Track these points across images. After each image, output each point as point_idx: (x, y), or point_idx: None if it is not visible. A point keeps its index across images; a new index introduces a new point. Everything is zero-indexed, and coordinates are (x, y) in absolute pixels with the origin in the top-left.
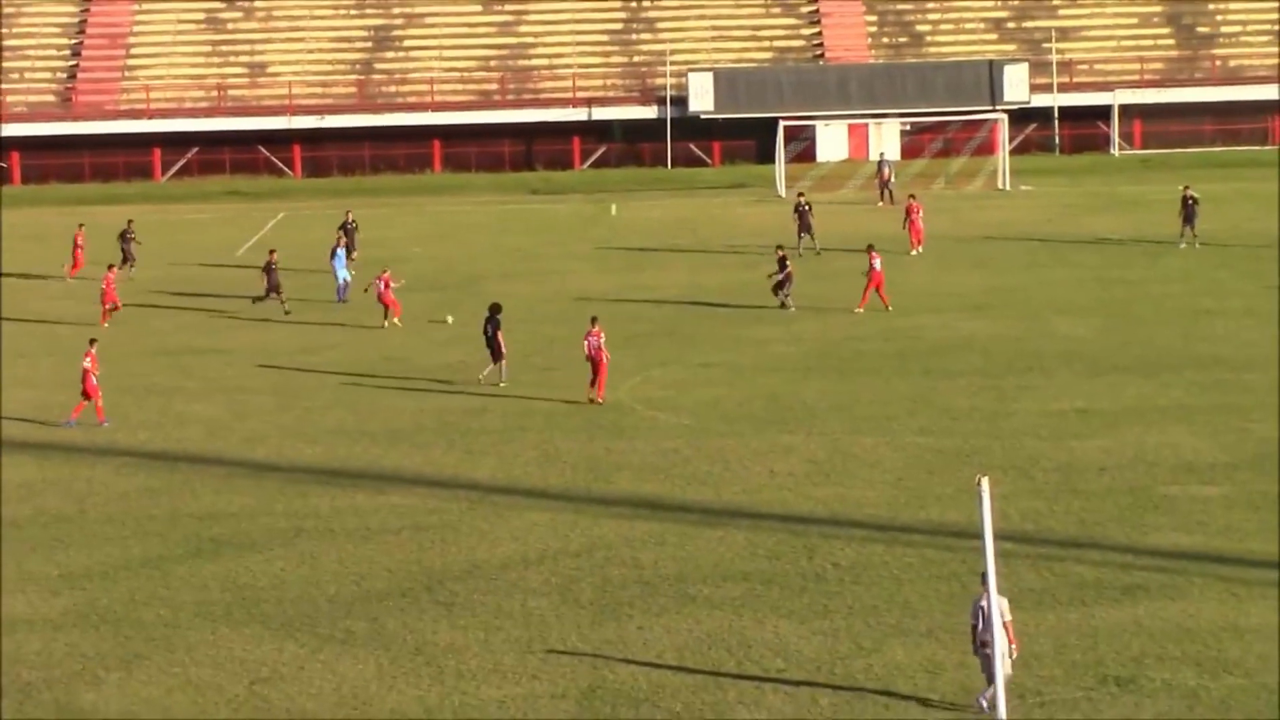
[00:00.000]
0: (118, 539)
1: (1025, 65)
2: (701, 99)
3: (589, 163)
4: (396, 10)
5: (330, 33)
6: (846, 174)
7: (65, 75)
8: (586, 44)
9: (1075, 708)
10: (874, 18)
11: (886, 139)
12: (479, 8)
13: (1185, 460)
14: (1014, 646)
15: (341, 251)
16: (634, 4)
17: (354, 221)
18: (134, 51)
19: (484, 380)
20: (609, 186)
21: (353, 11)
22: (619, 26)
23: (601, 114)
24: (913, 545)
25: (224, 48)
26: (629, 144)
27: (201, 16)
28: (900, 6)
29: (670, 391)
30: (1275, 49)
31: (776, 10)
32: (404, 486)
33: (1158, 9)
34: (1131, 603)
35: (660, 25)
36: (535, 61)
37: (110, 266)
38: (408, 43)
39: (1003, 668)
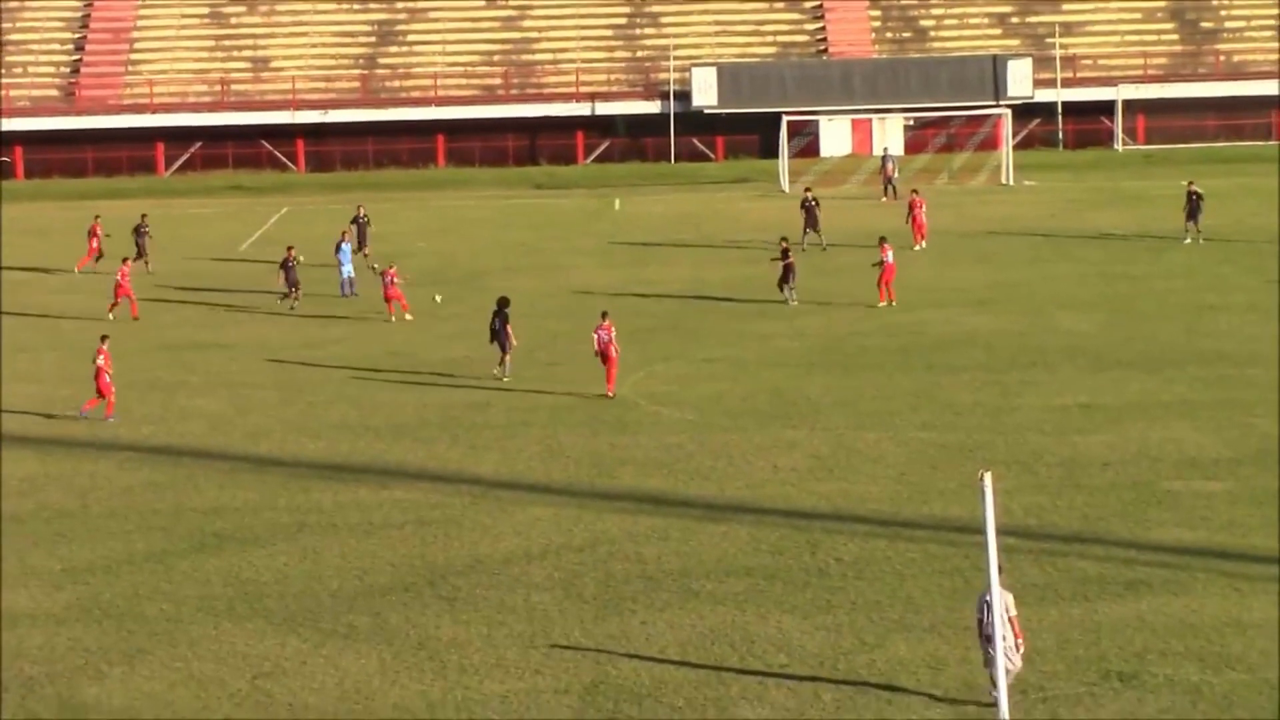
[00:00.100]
0: (120, 534)
1: (1029, 60)
2: (705, 94)
3: (593, 157)
4: (400, 5)
5: (334, 27)
6: (850, 169)
7: (69, 70)
8: (590, 39)
9: (1078, 703)
10: (877, 12)
11: (890, 134)
12: (483, 2)
13: (1188, 455)
14: (1020, 641)
15: (346, 246)
16: None
17: (365, 216)
18: (137, 46)
19: (498, 375)
20: (612, 181)
21: (356, 6)
22: (623, 21)
23: (605, 109)
24: (916, 540)
25: (227, 42)
26: (633, 139)
27: (205, 11)
28: (904, 1)
29: (674, 386)
30: (1278, 44)
31: (780, 5)
32: (407, 481)
33: (1161, 4)
34: (1134, 598)
35: (664, 20)
36: (539, 56)
37: (125, 260)
38: (411, 37)
39: (1009, 663)
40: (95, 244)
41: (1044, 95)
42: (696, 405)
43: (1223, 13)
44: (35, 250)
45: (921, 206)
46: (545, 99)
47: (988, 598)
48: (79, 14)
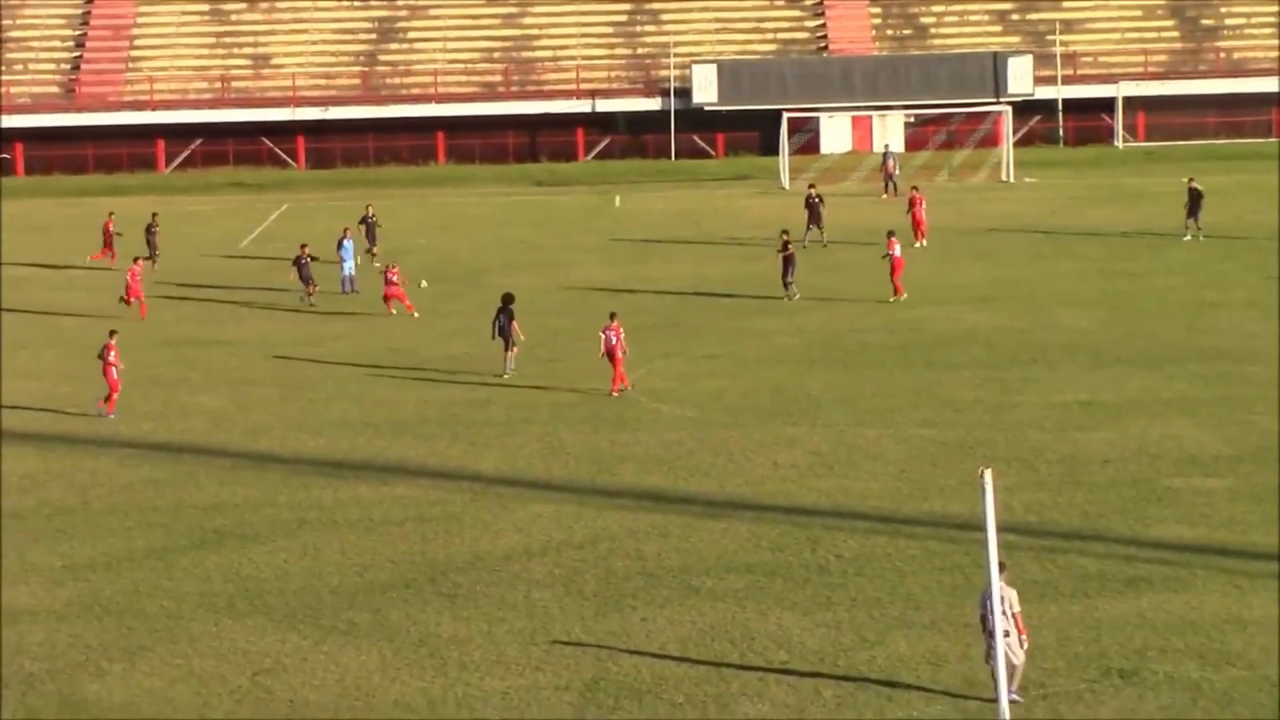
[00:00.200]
0: (121, 530)
1: (1029, 57)
2: (705, 91)
3: (593, 154)
4: (400, 2)
5: (334, 24)
6: (850, 166)
7: (69, 66)
8: (591, 36)
9: (1078, 700)
10: (878, 10)
11: (890, 131)
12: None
13: (1188, 453)
14: (1024, 638)
15: (348, 243)
16: None
17: (375, 216)
18: (138, 43)
19: (504, 372)
20: (613, 178)
21: (356, 3)
22: (623, 18)
23: (605, 106)
24: (916, 537)
25: (228, 39)
26: (633, 136)
27: (205, 8)
28: None
29: (674, 383)
30: (1278, 41)
31: (780, 2)
32: (407, 478)
33: (1162, 1)
34: (1134, 595)
35: (664, 17)
36: (539, 53)
37: (136, 260)
38: (412, 34)
39: (1014, 658)
40: (111, 239)
41: (1044, 92)
42: (697, 402)
43: (1223, 10)
44: (35, 247)
45: (921, 203)
46: (546, 96)
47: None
48: (79, 11)
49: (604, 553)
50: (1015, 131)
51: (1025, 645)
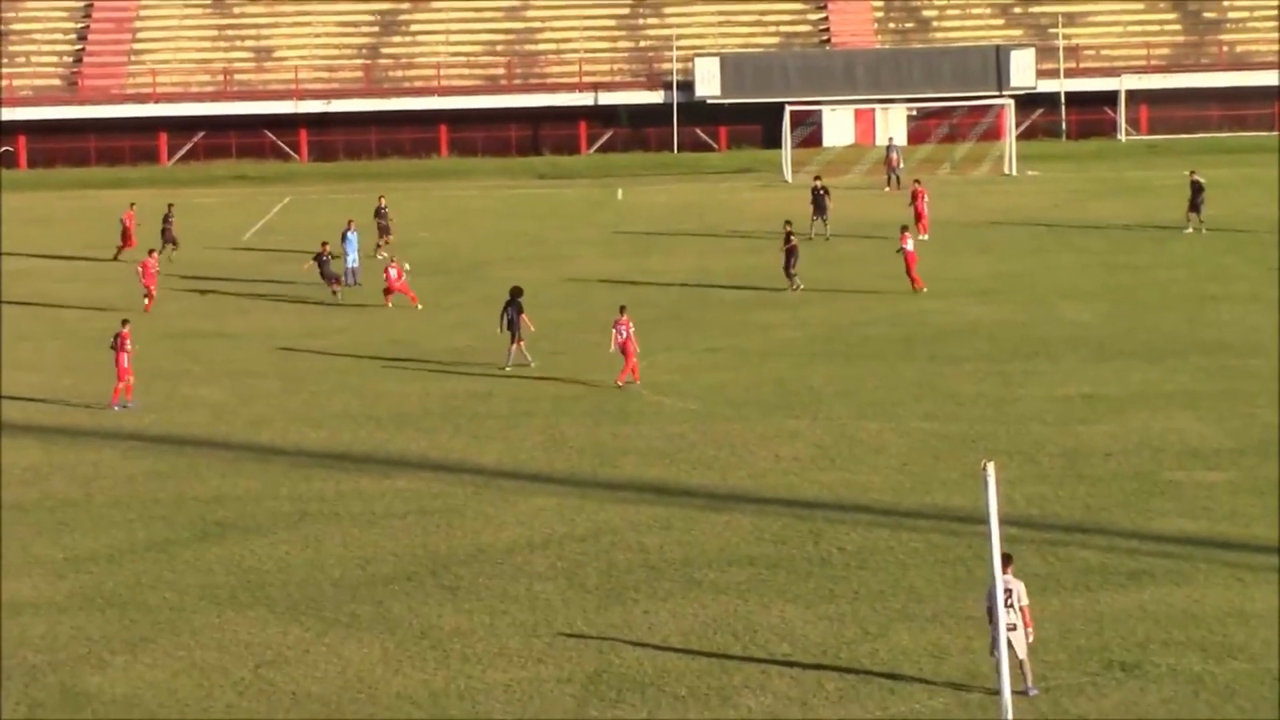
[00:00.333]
0: (123, 522)
1: (1032, 50)
2: (708, 84)
3: (595, 147)
4: None
5: (336, 17)
6: (853, 159)
7: (71, 59)
8: (593, 29)
9: (1080, 693)
10: (880, 3)
11: (893, 124)
12: None
13: (1190, 446)
14: (1030, 631)
15: (353, 235)
16: None
17: (387, 207)
18: (140, 35)
19: (518, 363)
20: (615, 171)
21: None
22: (625, 11)
23: (608, 99)
24: (918, 530)
25: (230, 32)
26: (635, 129)
27: (207, 1)
28: None
29: (676, 376)
30: None
31: None
32: (409, 471)
33: None
34: (1137, 588)
35: (666, 10)
36: (542, 46)
37: (151, 252)
38: (414, 27)
39: (1019, 651)
40: (131, 231)
41: (1047, 85)
42: (699, 395)
43: (1225, 3)
44: (38, 239)
45: (923, 197)
46: (548, 89)
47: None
48: (82, 3)
49: (606, 545)
50: (1017, 125)
51: (1030, 639)
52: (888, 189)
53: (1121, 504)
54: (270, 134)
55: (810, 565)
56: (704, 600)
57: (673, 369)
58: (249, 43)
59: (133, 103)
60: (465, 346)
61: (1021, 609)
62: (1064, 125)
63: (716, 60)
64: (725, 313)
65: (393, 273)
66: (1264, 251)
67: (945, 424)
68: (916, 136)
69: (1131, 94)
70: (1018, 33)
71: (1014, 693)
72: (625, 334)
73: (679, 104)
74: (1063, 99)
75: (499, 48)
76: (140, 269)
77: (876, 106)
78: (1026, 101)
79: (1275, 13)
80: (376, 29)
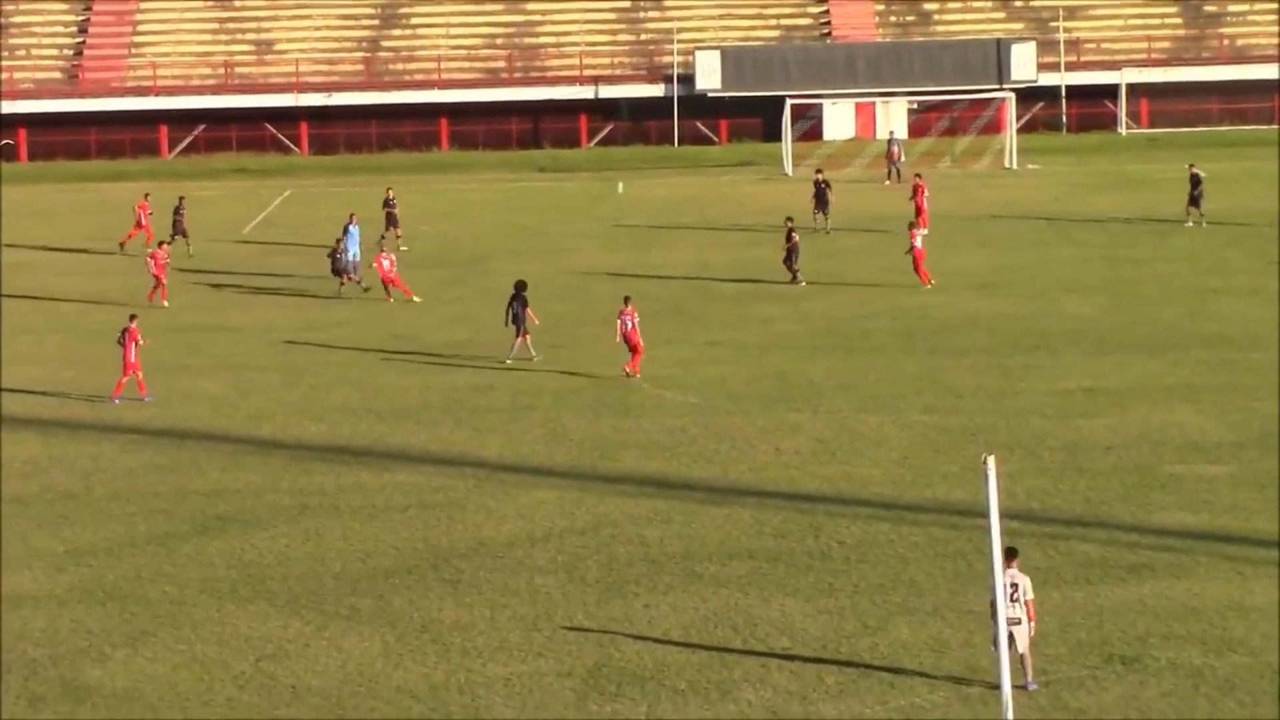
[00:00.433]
0: (124, 516)
1: (1032, 44)
2: (708, 77)
3: (596, 141)
4: None
5: (337, 10)
6: (853, 152)
7: (72, 52)
8: (594, 22)
9: (1080, 686)
10: None
11: (893, 118)
12: None
13: (1191, 439)
14: (1033, 624)
15: (354, 229)
16: None
17: (394, 199)
18: (141, 28)
19: (521, 356)
20: (616, 164)
21: None
22: (626, 4)
23: (609, 92)
24: (918, 524)
25: (231, 25)
26: (636, 122)
27: None
28: None
29: (677, 370)
30: None
31: None
32: (410, 464)
33: None
34: (1137, 582)
35: (667, 3)
36: (542, 39)
37: (161, 244)
38: (415, 20)
39: (1020, 645)
40: (145, 222)
41: (1048, 79)
42: (699, 388)
43: None
44: (37, 232)
45: (924, 191)
46: (549, 82)
47: (1004, 580)
48: None
49: (606, 539)
50: (1018, 118)
51: (1032, 632)
52: (888, 182)
53: (1122, 497)
54: (271, 127)
55: (810, 559)
56: (704, 594)
57: (673, 362)
58: (250, 36)
59: (133, 96)
60: (466, 340)
61: (1026, 603)
62: (1064, 119)
63: (717, 53)
64: (726, 306)
65: (385, 264)
66: (1264, 245)
67: (946, 417)
68: (917, 130)
69: (1132, 87)
70: (1018, 26)
71: (1014, 687)
72: (630, 324)
73: (679, 97)
74: (1063, 92)
75: (499, 41)
76: (150, 260)
77: (877, 100)
78: (1027, 95)
79: (1275, 6)
80: (377, 22)
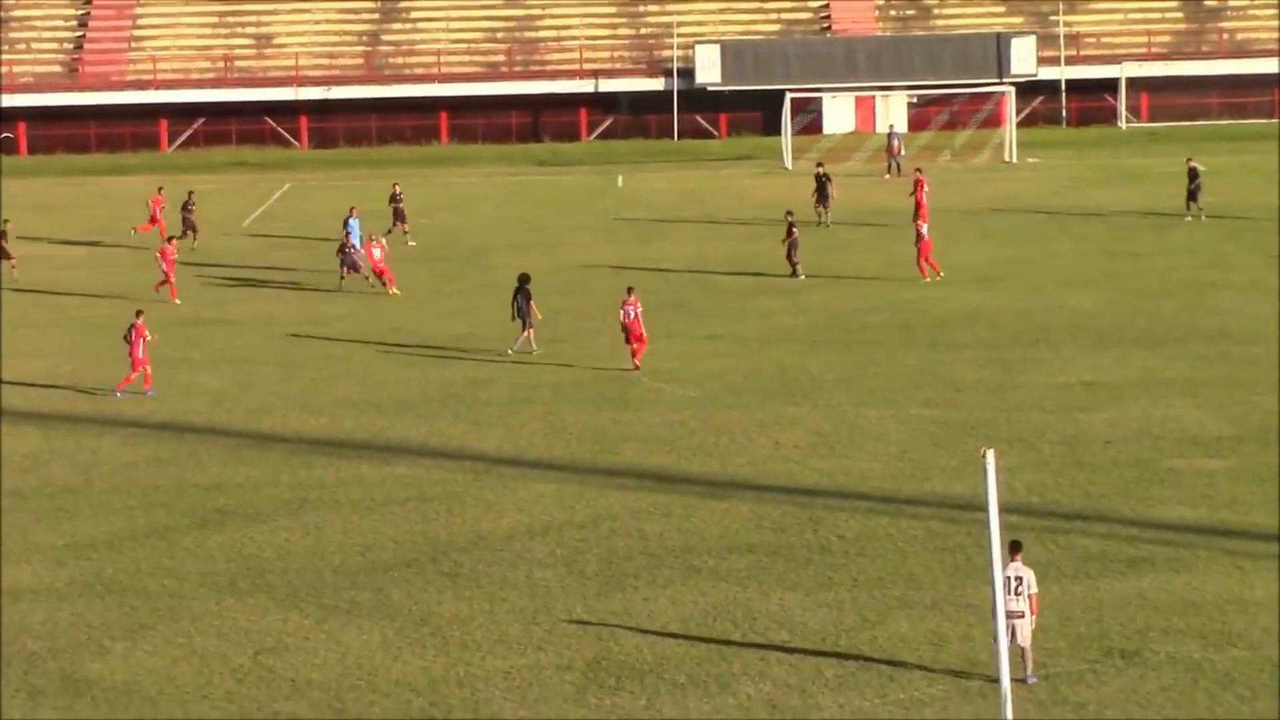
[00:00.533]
0: (123, 509)
1: (1032, 38)
2: (708, 71)
3: (596, 134)
4: None
5: (337, 3)
6: (853, 146)
7: (72, 46)
8: (594, 16)
9: (1080, 680)
10: None
11: (893, 112)
12: None
13: (1190, 433)
14: (1034, 618)
15: (355, 222)
16: None
17: (401, 194)
18: (140, 22)
19: (520, 349)
20: (616, 158)
21: None
22: None
23: (608, 86)
24: (918, 518)
25: (230, 19)
26: (636, 116)
27: None
28: None
29: (676, 363)
30: None
31: None
32: (409, 457)
33: None
34: (1136, 576)
35: None
36: (542, 33)
37: (170, 239)
38: (415, 14)
39: (1021, 639)
40: (159, 217)
41: (1047, 73)
42: (699, 382)
43: None
44: (38, 226)
45: (923, 186)
46: (549, 76)
47: (1007, 573)
48: None
49: (606, 532)
50: (1018, 112)
51: (1031, 625)
52: (888, 176)
53: (1121, 491)
54: (271, 120)
55: (810, 552)
56: (703, 587)
57: (673, 356)
58: (249, 29)
59: (133, 89)
60: (466, 333)
61: (1030, 596)
62: (1064, 112)
63: (717, 47)
64: (725, 300)
65: (376, 253)
66: (1264, 239)
67: (945, 411)
68: (917, 124)
69: (1132, 81)
70: (1018, 20)
71: (1013, 680)
72: (633, 314)
73: (679, 91)
74: (1063, 86)
75: (499, 34)
76: (159, 255)
77: (877, 94)
78: (1027, 89)
79: (1275, 0)
80: (377, 16)
